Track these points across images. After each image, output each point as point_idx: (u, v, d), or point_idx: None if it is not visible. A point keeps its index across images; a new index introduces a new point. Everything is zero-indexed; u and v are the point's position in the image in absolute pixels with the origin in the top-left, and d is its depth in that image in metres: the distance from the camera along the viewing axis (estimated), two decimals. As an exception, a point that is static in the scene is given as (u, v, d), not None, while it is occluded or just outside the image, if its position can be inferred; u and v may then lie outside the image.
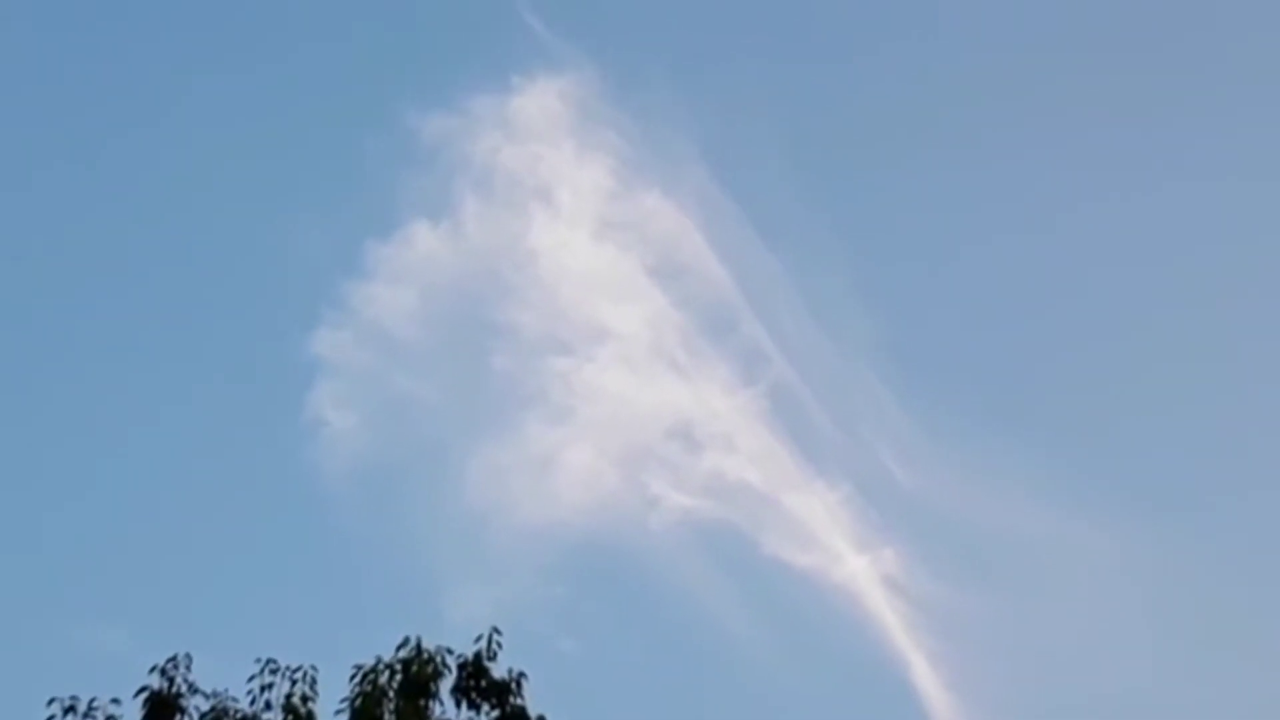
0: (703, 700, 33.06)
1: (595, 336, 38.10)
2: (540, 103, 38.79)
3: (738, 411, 37.43)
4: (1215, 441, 38.28)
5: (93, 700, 18.45)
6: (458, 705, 18.96)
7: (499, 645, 19.07)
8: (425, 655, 18.95)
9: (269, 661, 18.87)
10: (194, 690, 18.70)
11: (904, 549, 35.40)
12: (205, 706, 18.64)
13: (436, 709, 18.85)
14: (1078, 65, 41.48)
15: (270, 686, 18.76)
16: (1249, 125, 40.24)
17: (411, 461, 36.94)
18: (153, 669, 18.68)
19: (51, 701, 18.36)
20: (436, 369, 37.97)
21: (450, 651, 19.04)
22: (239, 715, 18.61)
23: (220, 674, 18.90)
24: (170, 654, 18.87)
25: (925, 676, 33.11)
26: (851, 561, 35.34)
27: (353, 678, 18.80)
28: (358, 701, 18.63)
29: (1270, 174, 39.82)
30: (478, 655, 19.05)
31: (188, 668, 18.74)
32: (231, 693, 18.77)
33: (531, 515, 35.76)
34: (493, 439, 37.18)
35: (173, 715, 18.53)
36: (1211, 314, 39.19)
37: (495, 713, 18.96)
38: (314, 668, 18.91)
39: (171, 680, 18.64)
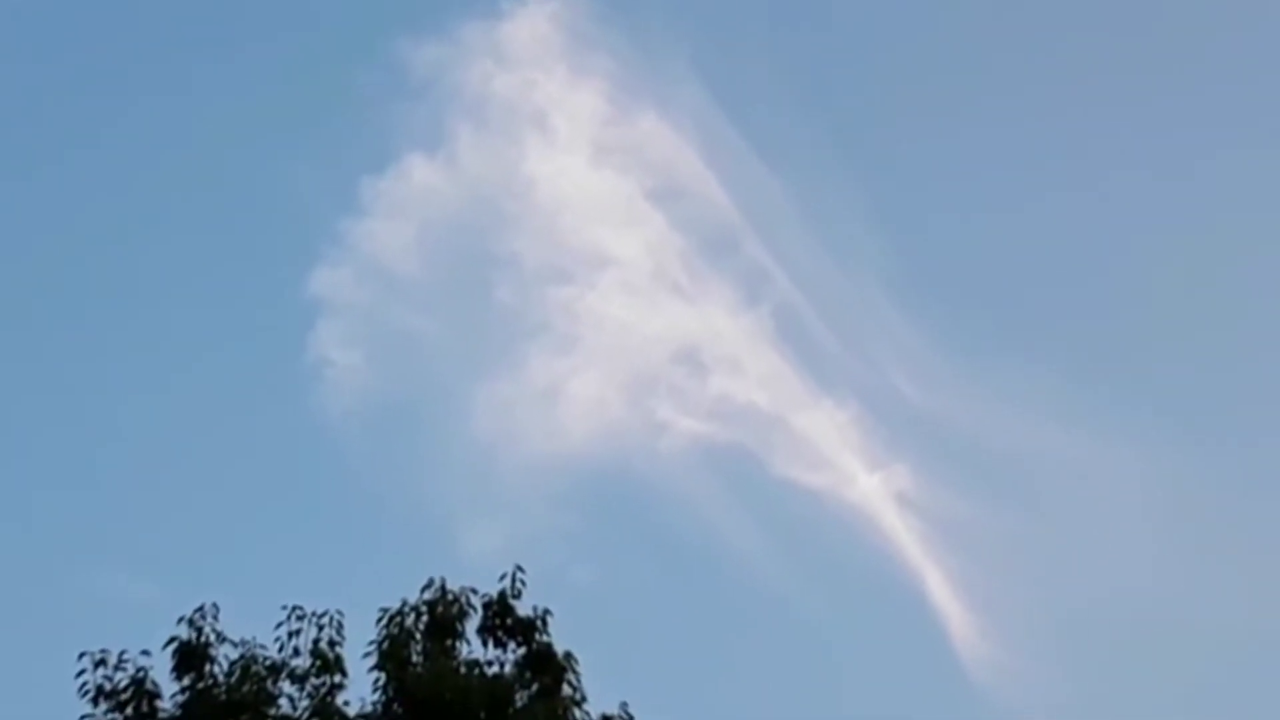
0: (719, 624, 33.27)
1: (596, 263, 38.11)
2: (530, 27, 38.63)
3: (743, 333, 37.51)
4: (1224, 357, 38.40)
5: (122, 653, 18.57)
6: (484, 644, 19.04)
7: (523, 584, 19.17)
8: (450, 596, 19.03)
9: (295, 608, 18.94)
10: (222, 639, 18.77)
11: (915, 466, 35.58)
12: (234, 655, 18.71)
13: (463, 649, 18.95)
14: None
15: (298, 633, 18.85)
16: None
17: (418, 398, 37.05)
18: (180, 620, 18.77)
19: (82, 655, 18.46)
20: (438, 303, 38.01)
21: (475, 591, 19.13)
22: (268, 663, 18.68)
23: (246, 623, 19.01)
24: (192, 603, 18.97)
25: (941, 591, 33.37)
26: (863, 480, 35.53)
27: (379, 621, 18.87)
28: (385, 644, 18.70)
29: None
30: (502, 594, 19.11)
31: (215, 617, 18.82)
32: (259, 640, 18.87)
33: (540, 446, 35.90)
34: (498, 371, 37.31)
35: (202, 665, 18.59)
36: (1224, 235, 39.14)
37: (521, 650, 19.04)
38: (340, 612, 18.99)
39: (200, 630, 18.71)
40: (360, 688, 18.69)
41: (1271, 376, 37.71)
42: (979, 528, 34.98)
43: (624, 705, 18.78)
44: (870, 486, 35.41)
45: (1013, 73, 41.28)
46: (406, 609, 18.91)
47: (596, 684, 18.98)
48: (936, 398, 36.56)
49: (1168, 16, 40.50)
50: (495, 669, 18.83)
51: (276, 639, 18.85)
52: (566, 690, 18.77)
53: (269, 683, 18.57)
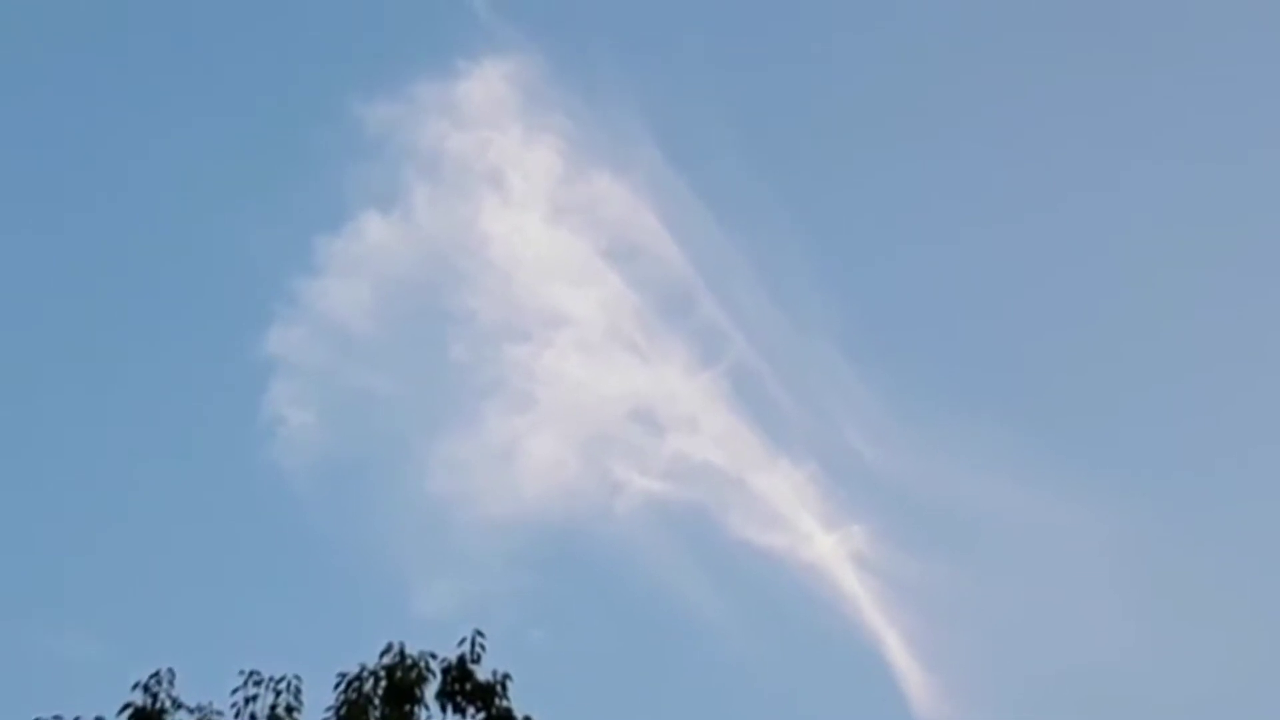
0: (676, 684, 33.06)
1: (552, 322, 38.02)
2: (486, 86, 38.59)
3: (699, 393, 37.43)
4: (1181, 415, 38.52)
5: (76, 718, 18.35)
6: (443, 710, 18.88)
7: (483, 648, 19.03)
8: (409, 661, 18.87)
9: (252, 673, 18.75)
10: (178, 705, 18.58)
11: (872, 526, 35.48)
12: (190, 721, 18.53)
13: (422, 714, 18.79)
14: (1040, 37, 41.42)
15: (255, 698, 18.66)
16: (1207, 110, 40.38)
17: (373, 456, 36.81)
18: (135, 685, 18.56)
19: (35, 722, 18.28)
20: (393, 361, 37.80)
21: (434, 656, 18.96)
22: (224, 729, 18.52)
23: (203, 688, 18.81)
24: (147, 667, 18.77)
25: (899, 652, 33.21)
26: (820, 540, 35.38)
27: (337, 686, 18.72)
28: (343, 710, 18.55)
29: (1231, 157, 39.92)
30: (461, 659, 18.97)
31: (171, 683, 18.61)
32: (216, 706, 18.67)
33: (496, 505, 35.69)
34: (453, 430, 37.09)
35: (157, 731, 18.43)
36: (1177, 291, 39.28)
37: (481, 715, 18.89)
38: (298, 678, 18.82)
39: (155, 696, 18.51)
40: (318, 754, 18.50)
41: (1231, 433, 37.88)
42: (937, 588, 34.92)
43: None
44: (827, 546, 35.31)
45: (966, 128, 41.44)
46: (365, 673, 18.76)
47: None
48: (894, 457, 36.56)
49: (1127, 65, 40.79)
50: (455, 734, 18.70)
51: (233, 704, 18.70)
52: (527, 754, 18.66)
53: (225, 749, 18.41)
